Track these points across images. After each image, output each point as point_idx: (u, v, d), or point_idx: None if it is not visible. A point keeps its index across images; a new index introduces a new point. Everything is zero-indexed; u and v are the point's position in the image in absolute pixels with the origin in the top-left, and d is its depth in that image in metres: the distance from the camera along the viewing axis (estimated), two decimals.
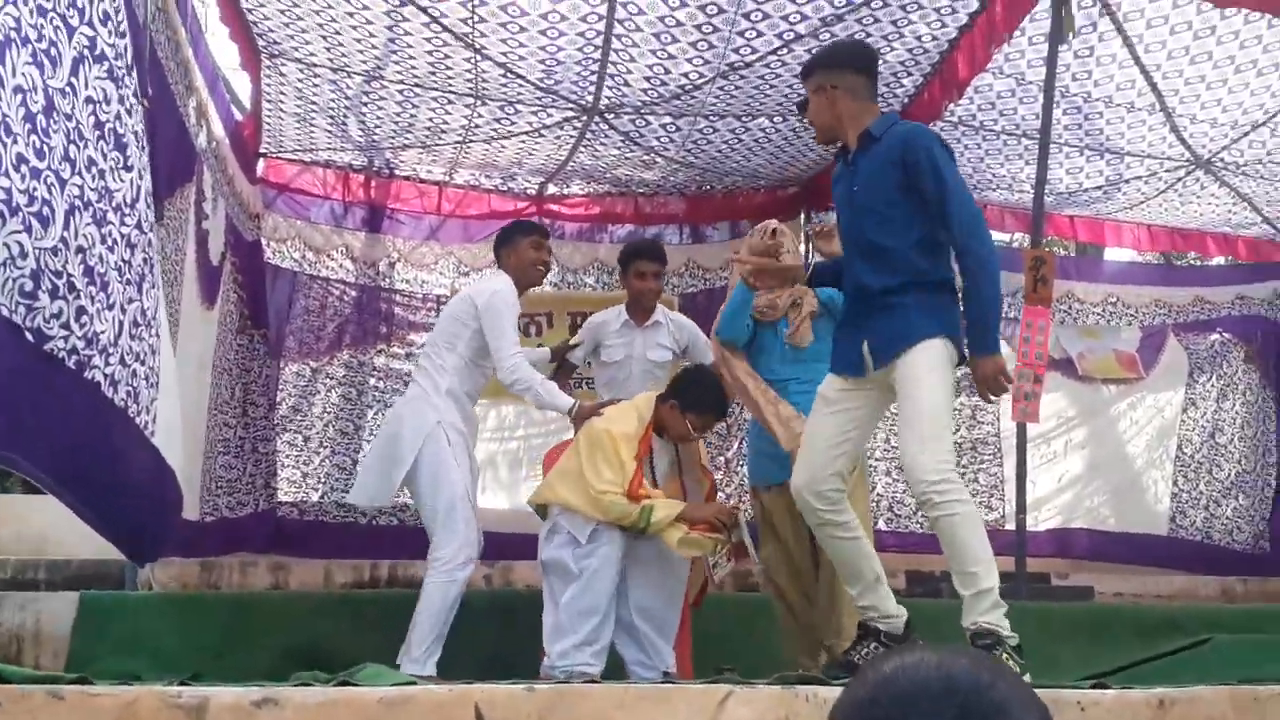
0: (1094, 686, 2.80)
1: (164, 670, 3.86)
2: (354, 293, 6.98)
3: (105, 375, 2.91)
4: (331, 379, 6.87)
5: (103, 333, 2.88)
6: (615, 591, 4.08)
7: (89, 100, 2.87)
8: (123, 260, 3.05)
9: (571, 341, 5.07)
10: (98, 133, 2.92)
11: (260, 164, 6.61)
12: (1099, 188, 7.21)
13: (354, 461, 6.79)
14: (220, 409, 5.66)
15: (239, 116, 6.07)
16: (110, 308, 2.93)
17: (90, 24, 2.88)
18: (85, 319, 2.77)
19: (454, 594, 4.11)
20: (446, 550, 4.14)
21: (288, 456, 6.65)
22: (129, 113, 3.20)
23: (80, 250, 2.75)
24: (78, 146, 2.79)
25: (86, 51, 2.85)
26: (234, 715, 2.18)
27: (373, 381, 6.92)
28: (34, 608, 4.36)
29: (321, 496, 6.72)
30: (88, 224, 2.81)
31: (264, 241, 6.62)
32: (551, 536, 4.16)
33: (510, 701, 2.34)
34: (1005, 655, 3.17)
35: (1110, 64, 5.77)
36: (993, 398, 3.52)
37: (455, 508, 4.19)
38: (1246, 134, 6.33)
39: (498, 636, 4.46)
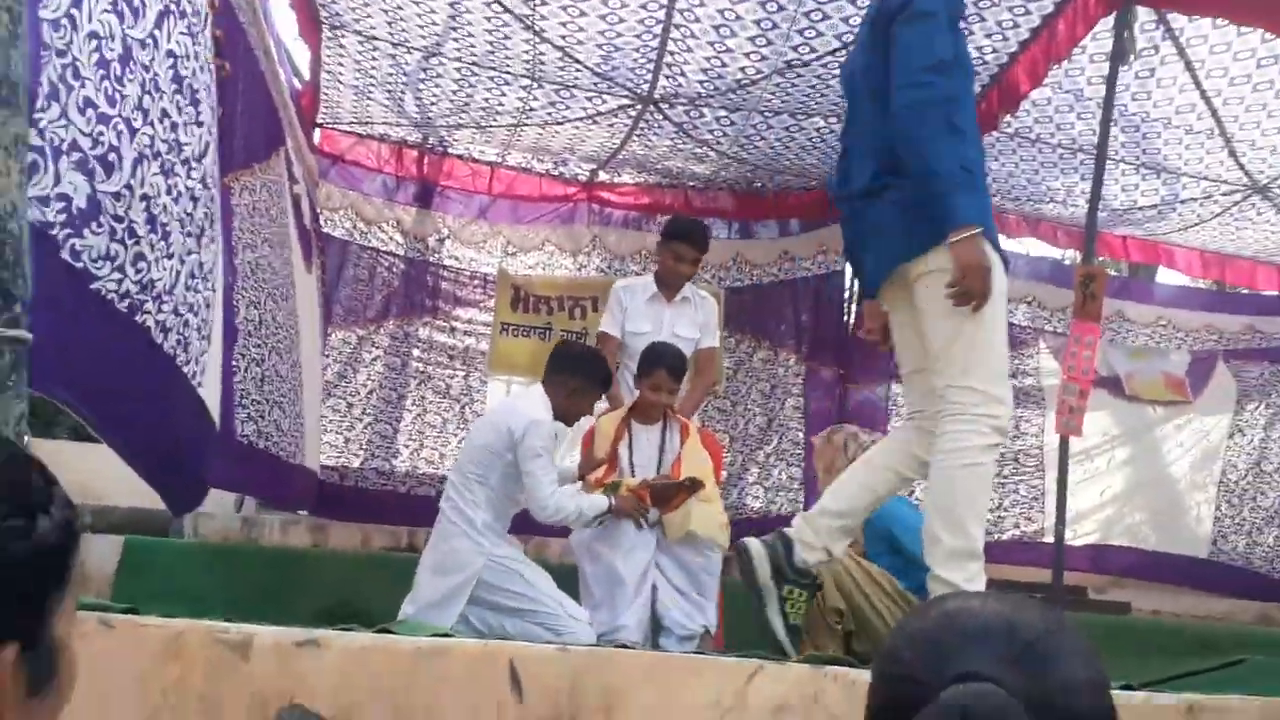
0: (1123, 688, 2.79)
1: (204, 618, 3.92)
2: (402, 265, 7.05)
3: (156, 321, 2.93)
4: (376, 348, 6.94)
5: (159, 280, 2.91)
6: (648, 561, 4.21)
7: (169, 54, 2.92)
8: (185, 213, 3.10)
9: (596, 456, 4.58)
10: (174, 85, 2.97)
11: (316, 134, 6.69)
12: (1154, 206, 7.15)
13: (394, 430, 6.89)
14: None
15: (298, 85, 6.15)
16: (169, 257, 2.97)
17: None
18: (142, 264, 2.81)
19: None
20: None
21: (330, 421, 6.73)
22: (203, 69, 3.26)
23: (145, 198, 2.79)
24: (152, 97, 2.84)
25: (172, 5, 2.91)
26: (277, 654, 2.22)
27: (416, 353, 6.99)
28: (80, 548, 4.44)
29: (361, 463, 6.80)
30: (155, 173, 2.86)
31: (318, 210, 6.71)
32: None
33: (544, 661, 2.37)
34: None
35: (1170, 86, 5.74)
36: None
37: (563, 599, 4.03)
38: None
39: None
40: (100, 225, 2.63)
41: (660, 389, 4.41)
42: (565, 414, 4.24)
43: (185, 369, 3.18)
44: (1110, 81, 5.39)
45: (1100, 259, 7.73)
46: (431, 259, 7.12)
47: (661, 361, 4.46)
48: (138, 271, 2.80)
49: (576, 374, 4.25)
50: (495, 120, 6.55)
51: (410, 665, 2.27)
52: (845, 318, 7.60)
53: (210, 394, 3.46)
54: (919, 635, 0.91)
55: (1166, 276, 10.15)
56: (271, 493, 5.65)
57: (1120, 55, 5.24)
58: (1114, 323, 7.82)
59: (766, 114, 6.19)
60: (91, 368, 2.69)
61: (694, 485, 4.22)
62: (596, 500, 4.16)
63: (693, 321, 4.95)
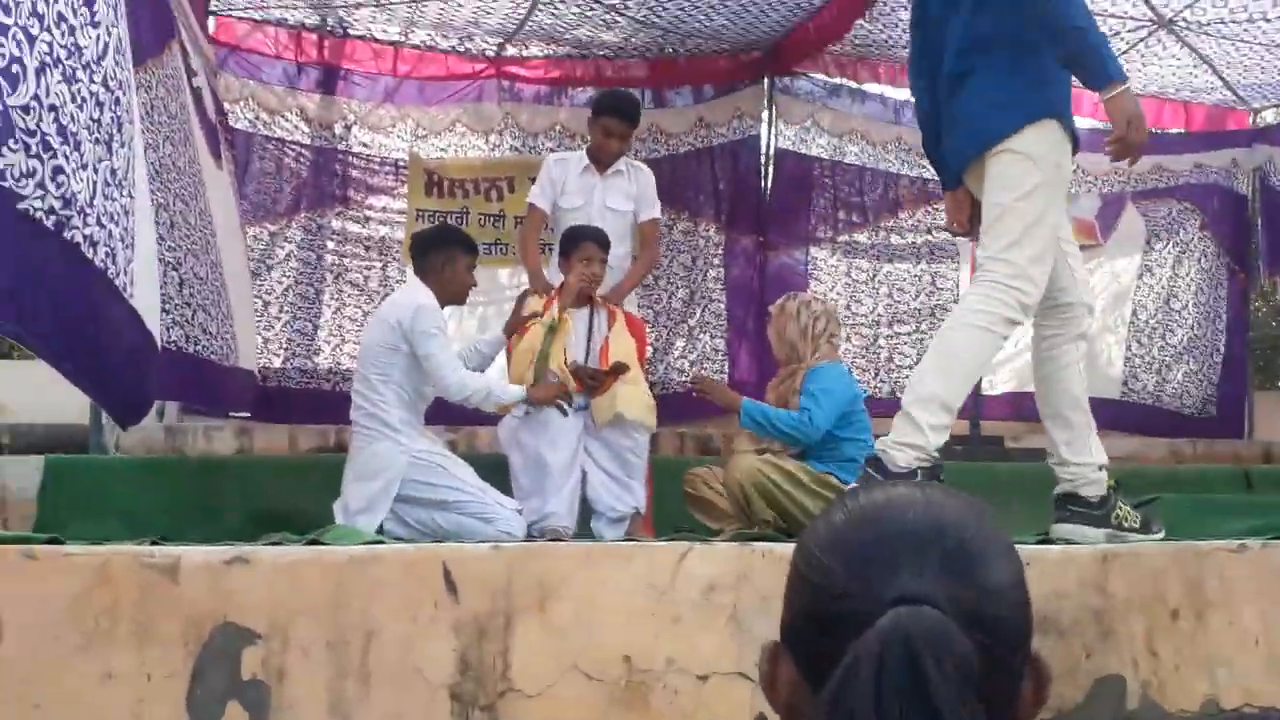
0: (1039, 543, 2.91)
1: (132, 534, 3.91)
2: (310, 155, 6.84)
3: (84, 236, 2.87)
4: (289, 243, 6.77)
5: (79, 193, 2.83)
6: (576, 447, 4.24)
7: None
8: (92, 119, 2.98)
9: (528, 303, 4.57)
10: None
11: (211, 22, 6.42)
12: None
13: (315, 326, 6.77)
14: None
15: None
16: (84, 167, 2.88)
17: None
18: (62, 178, 2.72)
19: None
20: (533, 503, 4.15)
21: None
22: None
23: (53, 109, 2.69)
24: (46, 2, 2.70)
25: None
26: (206, 574, 2.22)
27: (330, 246, 6.84)
28: None
29: (283, 362, 6.70)
30: (59, 81, 2.74)
31: None
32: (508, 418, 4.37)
33: (478, 561, 2.40)
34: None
35: None
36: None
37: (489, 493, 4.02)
38: None
39: None
40: (16, 142, 2.52)
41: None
42: (448, 294, 4.20)
43: (117, 281, 3.12)
44: None
45: None
46: (339, 146, 6.93)
47: (584, 234, 4.45)
48: (58, 186, 2.72)
49: (434, 249, 4.23)
50: None
51: (342, 575, 2.29)
52: (762, 183, 7.58)
53: (144, 304, 3.39)
54: (844, 542, 0.88)
55: (1074, 121, 10.22)
56: (207, 398, 5.56)
57: None
58: None
59: None
60: (29, 289, 2.62)
61: (620, 370, 4.25)
62: (511, 388, 4.16)
63: (625, 194, 4.88)
